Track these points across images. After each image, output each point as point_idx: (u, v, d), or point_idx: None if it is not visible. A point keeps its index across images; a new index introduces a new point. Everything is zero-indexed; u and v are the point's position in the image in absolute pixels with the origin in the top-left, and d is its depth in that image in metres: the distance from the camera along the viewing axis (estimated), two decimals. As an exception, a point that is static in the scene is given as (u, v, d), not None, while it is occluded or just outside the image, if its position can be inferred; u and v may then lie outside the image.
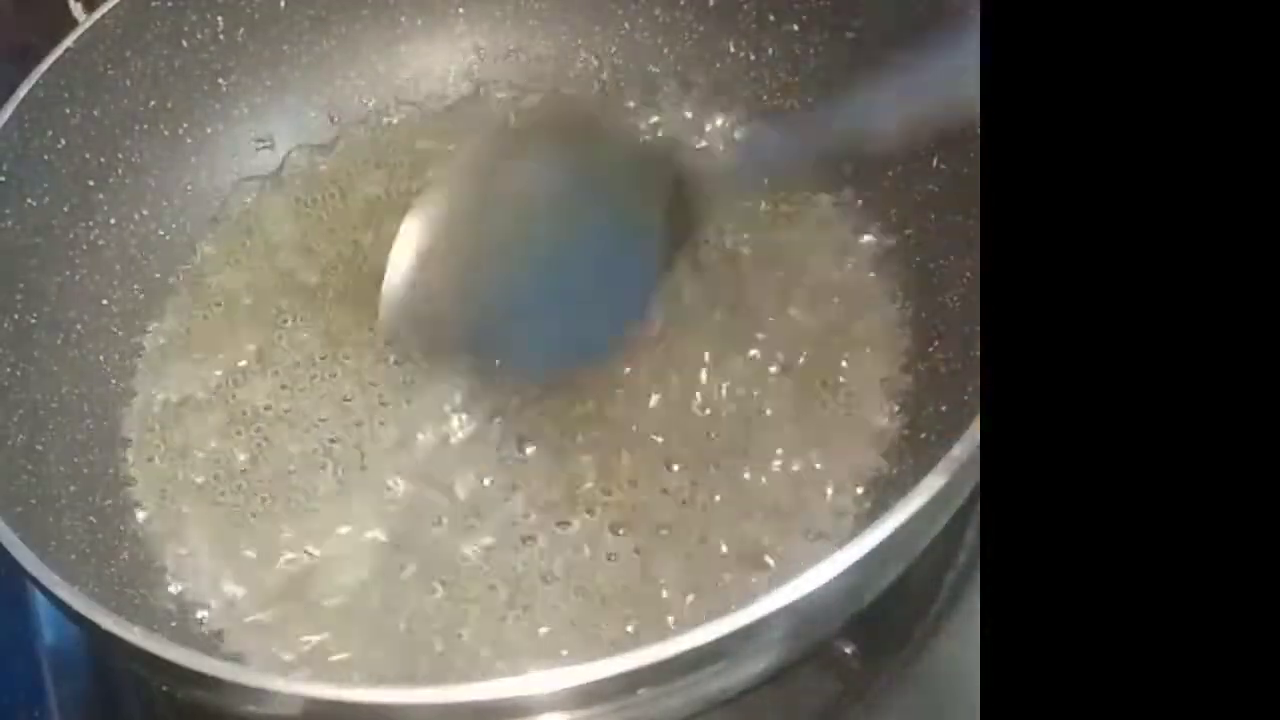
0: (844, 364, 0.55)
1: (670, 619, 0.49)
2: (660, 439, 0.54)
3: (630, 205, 0.51)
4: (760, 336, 0.57)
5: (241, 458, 0.56)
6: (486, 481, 0.54)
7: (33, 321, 0.56)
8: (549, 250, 0.51)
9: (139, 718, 0.56)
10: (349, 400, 0.57)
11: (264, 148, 0.66)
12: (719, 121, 0.65)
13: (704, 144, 0.64)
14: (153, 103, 0.62)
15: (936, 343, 0.54)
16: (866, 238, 0.59)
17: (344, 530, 0.53)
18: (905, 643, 0.52)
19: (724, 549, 0.51)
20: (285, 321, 0.60)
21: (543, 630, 0.50)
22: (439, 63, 0.69)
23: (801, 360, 0.56)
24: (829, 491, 0.52)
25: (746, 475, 0.53)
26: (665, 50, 0.67)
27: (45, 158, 0.58)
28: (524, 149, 0.54)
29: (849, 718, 0.51)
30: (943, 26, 0.55)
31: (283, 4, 0.65)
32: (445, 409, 0.56)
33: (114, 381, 0.59)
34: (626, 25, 0.67)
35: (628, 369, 0.56)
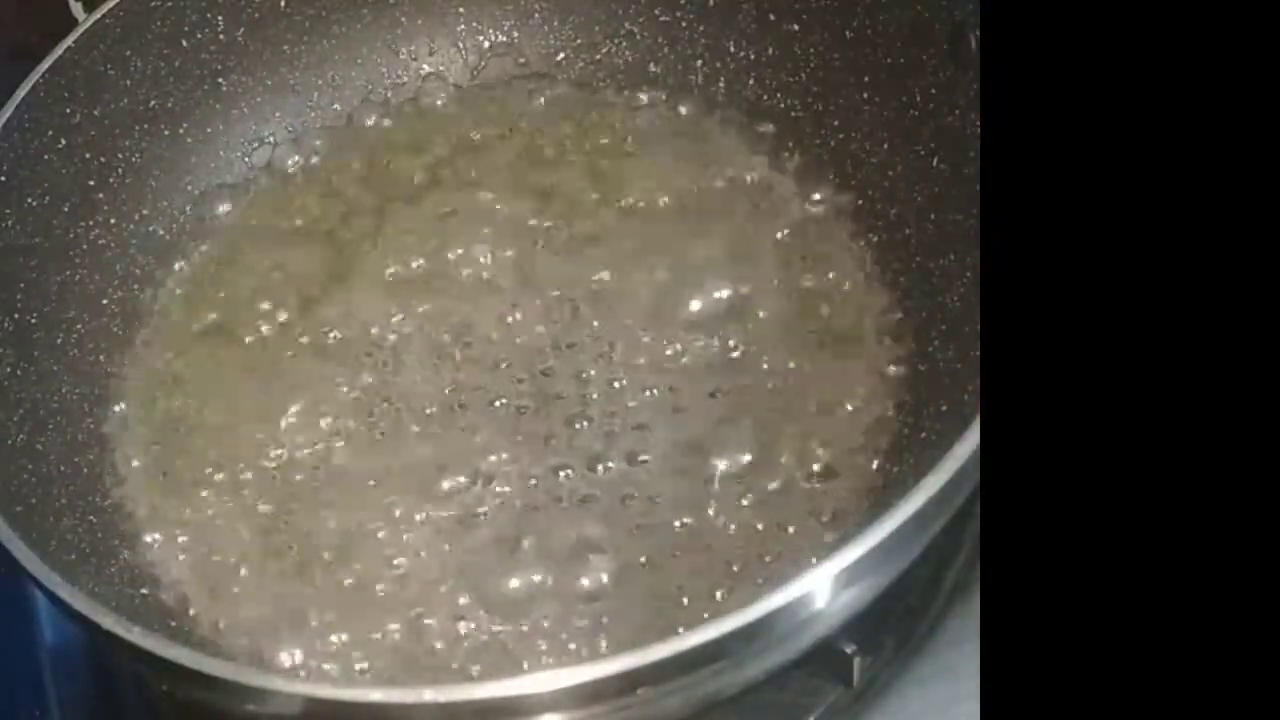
0: (844, 364, 0.55)
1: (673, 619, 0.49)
2: (658, 435, 0.54)
3: None
4: (759, 337, 0.57)
5: (240, 456, 0.56)
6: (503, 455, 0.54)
7: (33, 321, 0.56)
8: None
9: (139, 718, 0.56)
10: (349, 402, 0.57)
11: (264, 147, 0.66)
12: (719, 121, 0.65)
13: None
14: (153, 103, 0.63)
15: (936, 343, 0.54)
16: (866, 237, 0.59)
17: (344, 526, 0.53)
18: (905, 643, 0.52)
19: (724, 548, 0.51)
20: (285, 322, 0.60)
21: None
22: (439, 63, 0.69)
23: (801, 361, 0.56)
24: (829, 491, 0.52)
25: (746, 475, 0.53)
26: (665, 50, 0.67)
27: (45, 158, 0.58)
28: None
29: (849, 718, 0.51)
30: (943, 26, 0.55)
31: (283, 4, 0.65)
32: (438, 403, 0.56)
33: (114, 381, 0.59)
34: (627, 25, 0.67)
35: (621, 371, 0.56)
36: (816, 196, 0.61)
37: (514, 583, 0.51)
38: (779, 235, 0.60)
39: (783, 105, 0.64)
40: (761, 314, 0.57)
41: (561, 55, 0.68)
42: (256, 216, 0.65)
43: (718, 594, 0.50)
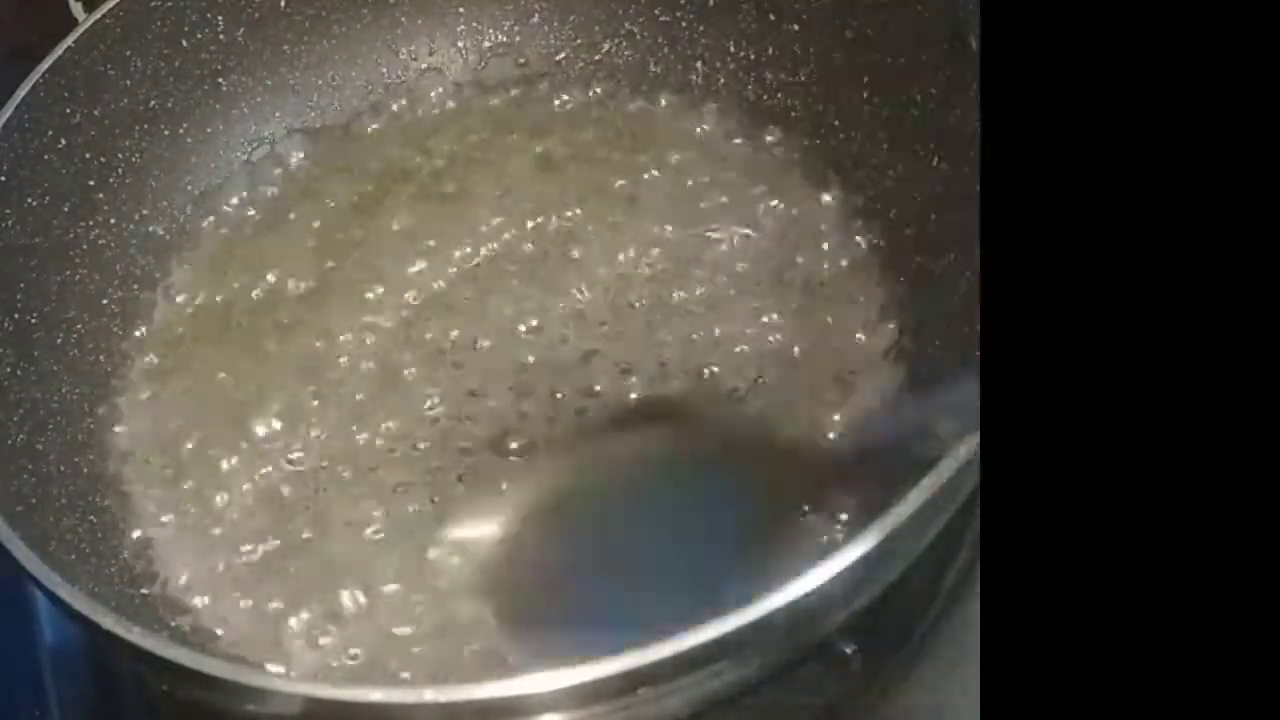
0: (843, 364, 0.55)
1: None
2: (658, 432, 0.54)
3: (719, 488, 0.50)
4: (760, 336, 0.57)
5: (240, 456, 0.56)
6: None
7: (33, 321, 0.56)
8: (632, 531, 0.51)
9: (139, 718, 0.56)
10: (349, 401, 0.57)
11: (264, 147, 0.67)
12: (719, 121, 0.65)
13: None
14: (153, 103, 0.63)
15: (937, 342, 0.54)
16: (866, 237, 0.59)
17: (343, 526, 0.53)
18: (905, 643, 0.52)
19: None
20: (285, 321, 0.60)
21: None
22: (439, 63, 0.69)
23: (801, 361, 0.56)
24: (829, 491, 0.52)
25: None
26: (665, 50, 0.67)
27: (45, 158, 0.58)
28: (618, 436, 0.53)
29: (849, 718, 0.51)
30: (942, 26, 0.55)
31: (283, 4, 0.65)
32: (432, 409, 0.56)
33: (114, 381, 0.59)
34: (627, 25, 0.67)
35: (621, 367, 0.56)
36: (816, 196, 0.61)
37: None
38: (779, 235, 0.60)
39: (783, 105, 0.64)
40: (761, 313, 0.57)
41: (561, 55, 0.68)
42: (256, 217, 0.65)
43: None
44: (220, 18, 0.64)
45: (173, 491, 0.56)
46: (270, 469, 0.56)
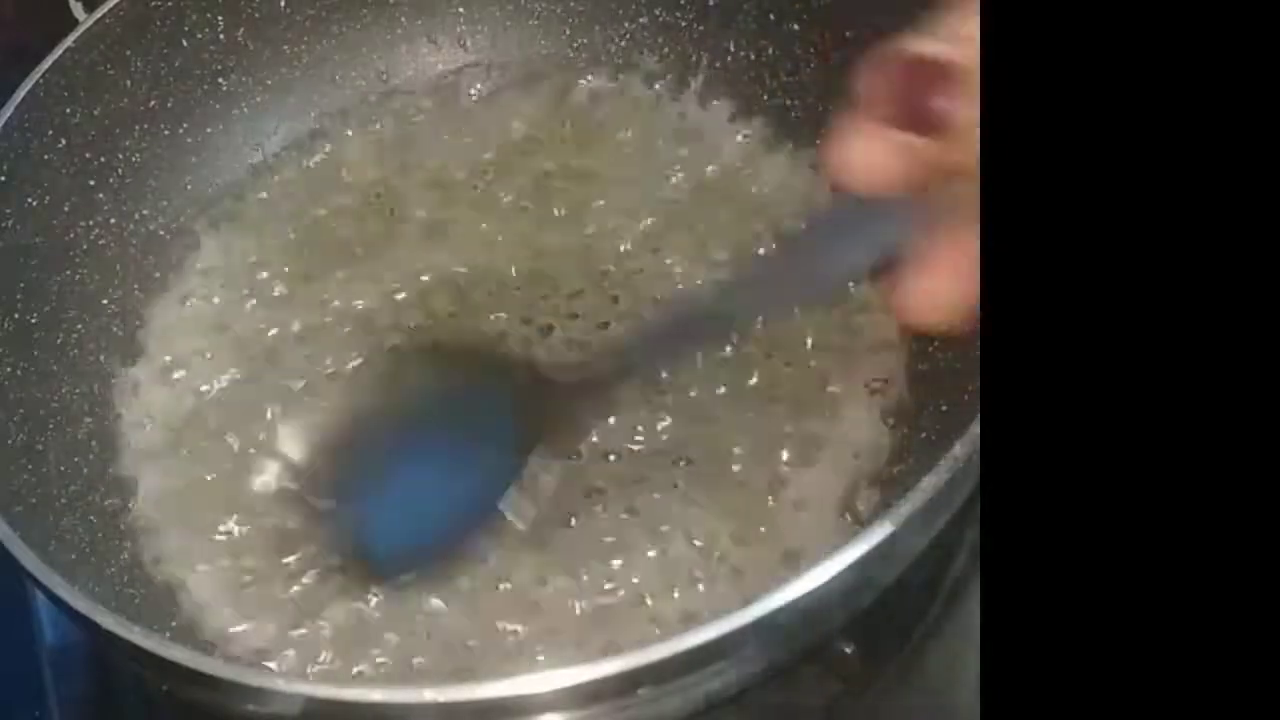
0: (844, 364, 0.55)
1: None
2: (660, 437, 0.54)
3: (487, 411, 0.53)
4: (759, 335, 0.57)
5: (242, 456, 0.56)
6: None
7: (33, 321, 0.56)
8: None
9: (139, 718, 0.56)
10: (349, 401, 0.57)
11: (264, 148, 0.66)
12: (719, 120, 0.65)
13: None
14: (153, 103, 0.63)
15: (936, 343, 0.54)
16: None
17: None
18: (905, 643, 0.52)
19: (724, 549, 0.51)
20: (286, 321, 0.60)
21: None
22: (439, 64, 0.69)
23: (800, 361, 0.56)
24: (829, 491, 0.52)
25: (743, 474, 0.53)
26: (666, 50, 0.67)
27: (45, 158, 0.58)
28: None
29: (849, 718, 0.51)
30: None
31: (283, 4, 0.65)
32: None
33: (114, 381, 0.59)
34: (627, 24, 0.67)
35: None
36: (815, 197, 0.61)
37: (525, 583, 0.51)
38: (779, 234, 0.60)
39: (783, 105, 0.64)
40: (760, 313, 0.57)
41: (562, 56, 0.68)
42: (256, 217, 0.65)
43: (719, 594, 0.50)
44: (220, 18, 0.64)
45: (173, 491, 0.56)
46: (273, 470, 0.55)
